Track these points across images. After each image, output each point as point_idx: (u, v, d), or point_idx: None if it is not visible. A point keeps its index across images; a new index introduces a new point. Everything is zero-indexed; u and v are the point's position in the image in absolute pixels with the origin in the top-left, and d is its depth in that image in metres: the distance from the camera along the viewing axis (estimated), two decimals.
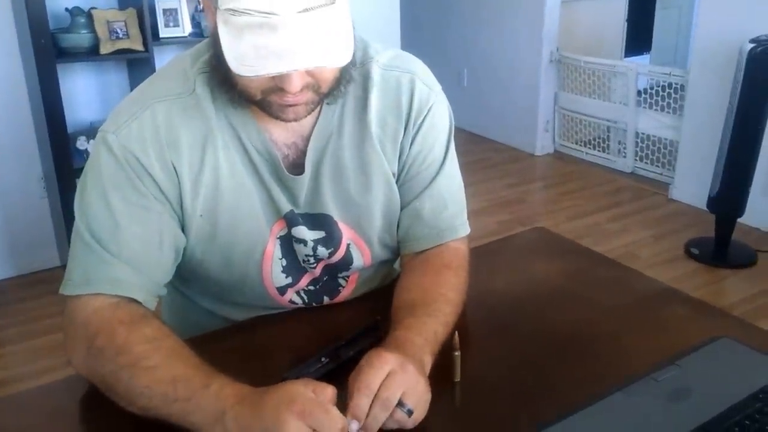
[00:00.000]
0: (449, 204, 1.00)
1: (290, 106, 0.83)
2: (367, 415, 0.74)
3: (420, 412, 0.75)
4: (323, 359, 0.88)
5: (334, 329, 0.98)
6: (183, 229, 0.91)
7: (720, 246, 2.74)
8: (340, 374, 0.87)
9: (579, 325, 0.97)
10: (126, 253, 0.86)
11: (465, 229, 1.03)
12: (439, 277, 0.96)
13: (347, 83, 0.89)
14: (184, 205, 0.89)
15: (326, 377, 0.86)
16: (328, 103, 0.92)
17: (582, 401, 0.78)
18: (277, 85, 0.81)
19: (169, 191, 0.88)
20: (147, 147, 0.86)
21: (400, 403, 0.73)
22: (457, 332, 0.85)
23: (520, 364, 0.89)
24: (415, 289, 0.95)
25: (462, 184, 1.04)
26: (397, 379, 0.74)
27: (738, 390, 0.79)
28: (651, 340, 0.93)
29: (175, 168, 0.88)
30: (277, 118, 0.86)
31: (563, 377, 0.86)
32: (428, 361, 0.82)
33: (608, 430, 0.75)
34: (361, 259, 1.00)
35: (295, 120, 0.86)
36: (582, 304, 1.02)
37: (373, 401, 0.73)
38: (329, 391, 0.71)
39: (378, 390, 0.73)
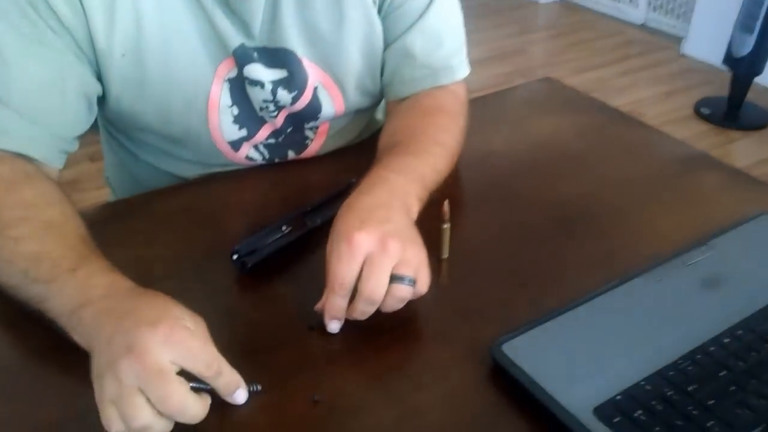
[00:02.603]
0: (445, 39, 0.82)
1: None
2: (354, 310, 0.60)
3: (424, 278, 0.61)
4: (284, 228, 0.73)
5: (300, 192, 0.82)
6: (100, 75, 0.73)
7: (732, 106, 2.57)
8: (303, 247, 0.73)
9: (592, 194, 0.81)
10: (16, 98, 0.67)
11: (464, 70, 0.85)
12: (430, 119, 0.80)
13: None
14: (97, 44, 0.70)
15: (286, 251, 0.71)
16: None
17: (594, 287, 0.65)
18: None
19: (74, 26, 0.68)
20: None
21: (397, 278, 0.59)
22: (447, 200, 0.69)
23: (519, 241, 0.74)
24: (399, 131, 0.79)
25: (461, 16, 0.84)
26: (378, 263, 0.59)
27: None
28: (678, 215, 0.78)
29: None
30: None
31: (572, 258, 0.72)
32: (414, 206, 0.67)
33: (626, 324, 0.61)
34: (331, 106, 0.83)
35: None
36: (596, 170, 0.86)
37: (355, 298, 0.60)
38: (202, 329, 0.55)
39: (357, 285, 0.59)
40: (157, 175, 0.88)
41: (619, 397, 0.54)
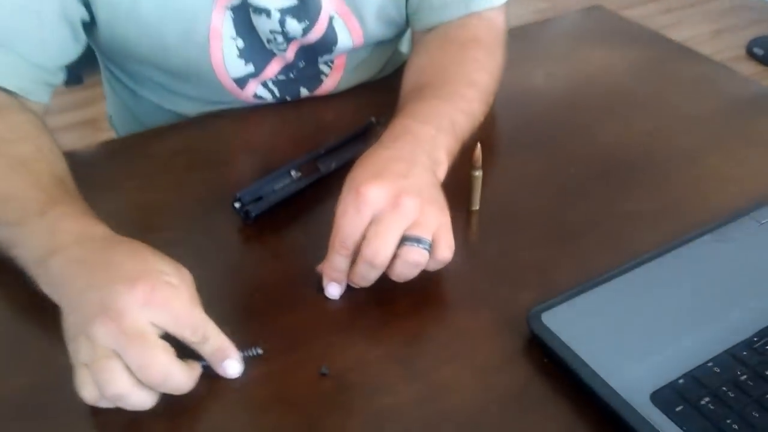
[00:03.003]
0: None
1: None
2: (354, 273, 0.52)
3: (445, 243, 0.52)
4: (294, 173, 0.65)
5: (314, 132, 0.73)
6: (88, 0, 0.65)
7: None
8: (315, 195, 0.64)
9: (646, 139, 0.71)
10: None
11: None
12: (463, 53, 0.69)
13: None
14: None
15: (296, 199, 0.63)
16: None
17: (650, 247, 0.55)
18: None
19: None
20: None
21: (410, 240, 0.50)
22: (479, 144, 0.59)
23: (562, 192, 0.65)
24: (427, 69, 0.69)
25: None
26: (386, 221, 0.50)
27: None
28: (748, 164, 0.68)
29: None
30: None
31: (623, 212, 0.62)
32: (443, 161, 0.58)
33: (690, 292, 0.52)
34: (349, 37, 0.73)
35: None
36: (651, 110, 0.76)
37: (357, 259, 0.51)
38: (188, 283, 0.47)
39: (360, 246, 0.51)
40: (160, 114, 0.80)
41: (681, 381, 0.45)
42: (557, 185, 0.65)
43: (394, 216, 0.50)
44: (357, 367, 0.49)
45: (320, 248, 0.54)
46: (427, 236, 0.51)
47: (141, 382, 0.43)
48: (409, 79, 0.69)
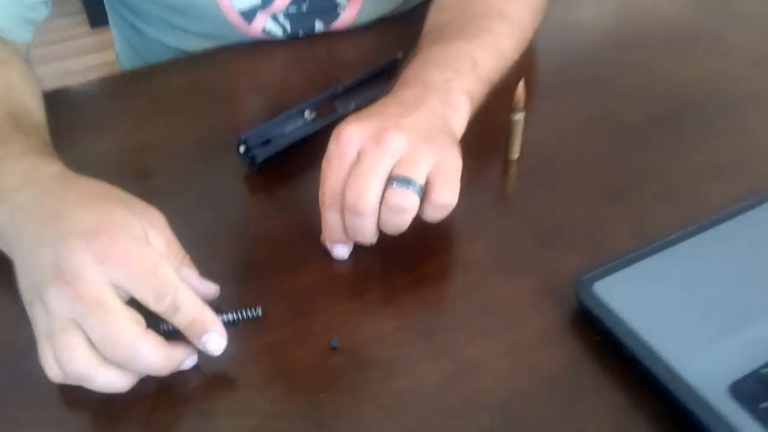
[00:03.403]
0: None
1: None
2: (347, 229, 0.45)
3: (443, 184, 0.43)
4: (308, 113, 0.57)
5: (330, 70, 0.65)
6: None
7: None
8: (327, 141, 0.56)
9: (714, 81, 0.62)
10: None
11: None
12: None
13: None
14: None
15: (310, 144, 0.55)
16: None
17: (722, 205, 0.47)
18: None
19: None
20: None
21: (395, 180, 0.42)
22: (522, 82, 0.50)
23: (614, 141, 0.56)
24: (451, 4, 0.59)
25: None
26: (366, 160, 0.42)
27: None
28: None
29: None
30: None
31: (688, 164, 0.54)
32: (462, 106, 0.48)
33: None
34: None
35: None
36: (718, 46, 0.66)
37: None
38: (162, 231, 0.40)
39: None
40: (164, 52, 0.73)
41: (765, 371, 0.37)
42: (610, 132, 0.57)
43: (376, 153, 0.42)
44: (373, 340, 0.42)
45: None
46: (417, 176, 0.42)
47: (106, 359, 0.36)
48: (431, 17, 0.60)
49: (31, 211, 0.39)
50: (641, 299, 0.42)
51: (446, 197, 0.43)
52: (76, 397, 0.39)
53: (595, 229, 0.49)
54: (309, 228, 0.48)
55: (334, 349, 0.42)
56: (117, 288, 0.36)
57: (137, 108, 0.62)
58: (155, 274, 0.37)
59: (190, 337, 0.39)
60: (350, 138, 0.43)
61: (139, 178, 0.55)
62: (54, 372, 0.37)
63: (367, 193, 0.42)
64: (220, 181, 0.53)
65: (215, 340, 0.39)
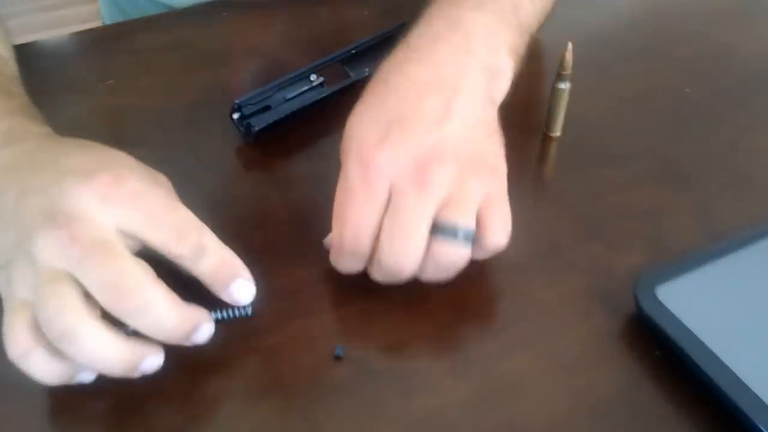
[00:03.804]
0: None
1: None
2: (371, 273, 0.36)
3: (496, 225, 0.35)
4: (313, 77, 0.49)
5: (340, 30, 0.57)
6: None
7: None
8: (340, 110, 0.49)
9: None
10: None
11: None
12: None
13: None
14: None
15: (314, 113, 0.47)
16: None
17: None
18: None
19: None
20: None
21: (443, 230, 0.33)
22: (570, 44, 0.42)
23: (674, 118, 0.48)
24: None
25: None
26: (409, 212, 0.33)
27: None
28: None
29: None
30: None
31: (761, 149, 0.46)
32: (506, 70, 0.39)
33: None
34: None
35: None
36: None
37: (373, 261, 0.35)
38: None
39: (376, 245, 0.34)
40: (150, 7, 0.65)
41: None
42: (669, 107, 0.49)
43: (419, 198, 0.33)
44: (386, 350, 0.35)
45: None
46: (468, 221, 0.34)
47: (103, 319, 0.29)
48: None
49: (17, 167, 0.33)
50: (712, 307, 0.35)
51: (501, 238, 0.35)
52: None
53: (653, 221, 0.41)
54: (312, 211, 0.41)
55: (338, 358, 0.34)
56: (125, 235, 0.30)
57: (118, 67, 0.54)
58: (174, 210, 0.32)
59: (216, 287, 0.33)
60: (381, 170, 0.33)
61: (118, 147, 0.47)
62: (19, 345, 0.29)
63: (411, 256, 0.33)
64: (209, 153, 0.46)
65: (246, 287, 0.33)
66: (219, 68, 0.53)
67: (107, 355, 0.30)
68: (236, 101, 0.46)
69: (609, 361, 0.35)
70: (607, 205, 0.42)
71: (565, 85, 0.44)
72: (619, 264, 0.38)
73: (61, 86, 0.52)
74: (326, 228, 0.36)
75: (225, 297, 0.33)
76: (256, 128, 0.46)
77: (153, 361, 0.31)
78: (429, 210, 0.33)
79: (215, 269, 0.32)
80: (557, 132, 0.46)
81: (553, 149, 0.46)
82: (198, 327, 0.32)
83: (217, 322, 0.34)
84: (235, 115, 0.46)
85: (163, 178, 0.35)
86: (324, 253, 0.38)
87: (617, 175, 0.44)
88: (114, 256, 0.30)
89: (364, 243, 0.34)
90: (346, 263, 0.35)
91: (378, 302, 0.36)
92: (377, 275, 0.35)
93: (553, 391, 0.33)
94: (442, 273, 0.34)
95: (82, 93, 0.52)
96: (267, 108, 0.47)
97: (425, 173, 0.33)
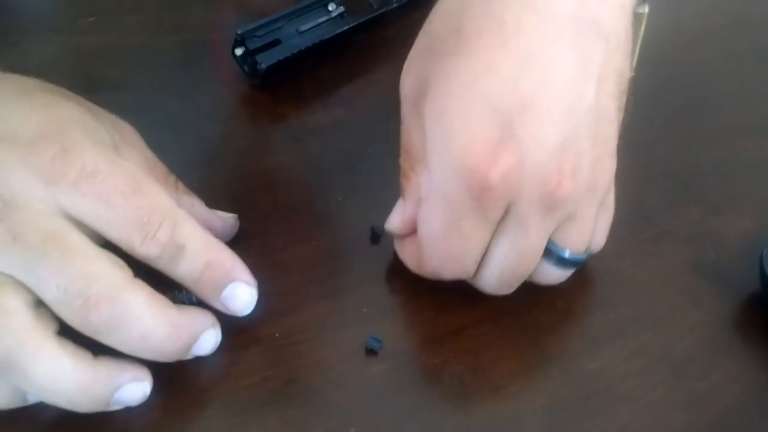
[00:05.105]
0: None
1: None
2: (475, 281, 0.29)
3: (603, 230, 0.29)
4: (332, 6, 0.42)
5: None
6: None
7: None
8: (364, 47, 0.41)
9: None
10: None
11: None
12: None
13: None
14: None
15: (334, 50, 0.40)
16: None
17: None
18: None
19: None
20: None
21: (554, 256, 0.27)
22: None
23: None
24: None
25: None
26: (532, 236, 0.26)
27: None
28: None
29: None
30: None
31: None
32: (621, 36, 0.29)
33: None
34: None
35: None
36: None
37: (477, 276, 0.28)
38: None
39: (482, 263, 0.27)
40: None
41: None
42: None
43: (544, 222, 0.25)
44: (435, 342, 0.27)
45: (374, 133, 0.31)
46: (584, 246, 0.27)
47: (61, 337, 0.22)
48: None
49: None
50: None
51: (603, 240, 0.29)
52: None
53: (765, 179, 0.33)
54: (332, 169, 0.33)
55: (372, 351, 0.26)
56: (78, 224, 0.23)
57: (100, 2, 0.47)
58: (140, 195, 0.24)
59: (205, 294, 0.25)
60: (499, 191, 0.24)
61: (97, 92, 0.39)
62: None
63: (523, 277, 0.27)
64: (207, 99, 0.39)
65: (244, 292, 0.25)
66: (217, 1, 0.45)
67: (66, 386, 0.22)
68: (238, 31, 0.38)
69: (730, 356, 0.27)
70: (704, 161, 0.34)
71: (643, 9, 0.35)
72: (727, 231, 0.31)
73: (35, 24, 0.45)
74: (348, 188, 0.28)
75: (218, 306, 0.26)
76: (263, 65, 0.38)
77: (133, 390, 0.24)
78: (550, 229, 0.26)
79: (198, 273, 0.24)
80: (630, 71, 0.37)
81: (629, 91, 0.38)
82: (198, 335, 0.24)
83: (191, 303, 0.26)
84: (238, 51, 0.38)
85: (129, 131, 0.28)
86: (347, 218, 0.29)
87: (713, 125, 0.36)
88: (71, 254, 0.23)
89: (469, 270, 0.27)
90: (444, 276, 0.28)
91: (424, 279, 0.28)
92: (480, 286, 0.28)
93: (660, 397, 0.25)
94: (541, 285, 0.29)
95: (57, 33, 0.45)
96: (276, 42, 0.39)
97: (555, 192, 0.25)
